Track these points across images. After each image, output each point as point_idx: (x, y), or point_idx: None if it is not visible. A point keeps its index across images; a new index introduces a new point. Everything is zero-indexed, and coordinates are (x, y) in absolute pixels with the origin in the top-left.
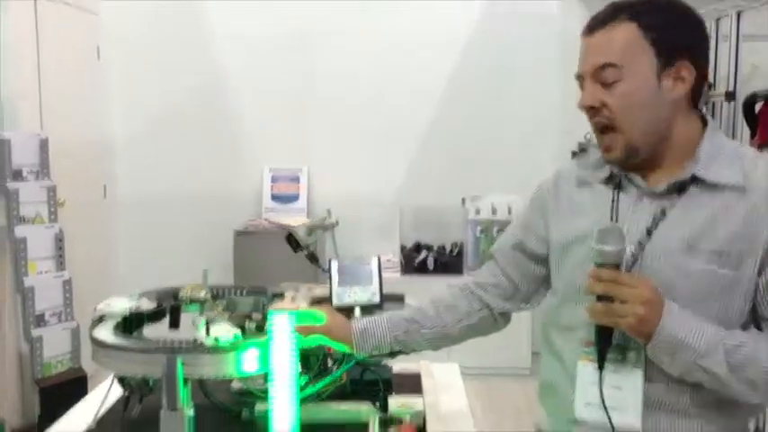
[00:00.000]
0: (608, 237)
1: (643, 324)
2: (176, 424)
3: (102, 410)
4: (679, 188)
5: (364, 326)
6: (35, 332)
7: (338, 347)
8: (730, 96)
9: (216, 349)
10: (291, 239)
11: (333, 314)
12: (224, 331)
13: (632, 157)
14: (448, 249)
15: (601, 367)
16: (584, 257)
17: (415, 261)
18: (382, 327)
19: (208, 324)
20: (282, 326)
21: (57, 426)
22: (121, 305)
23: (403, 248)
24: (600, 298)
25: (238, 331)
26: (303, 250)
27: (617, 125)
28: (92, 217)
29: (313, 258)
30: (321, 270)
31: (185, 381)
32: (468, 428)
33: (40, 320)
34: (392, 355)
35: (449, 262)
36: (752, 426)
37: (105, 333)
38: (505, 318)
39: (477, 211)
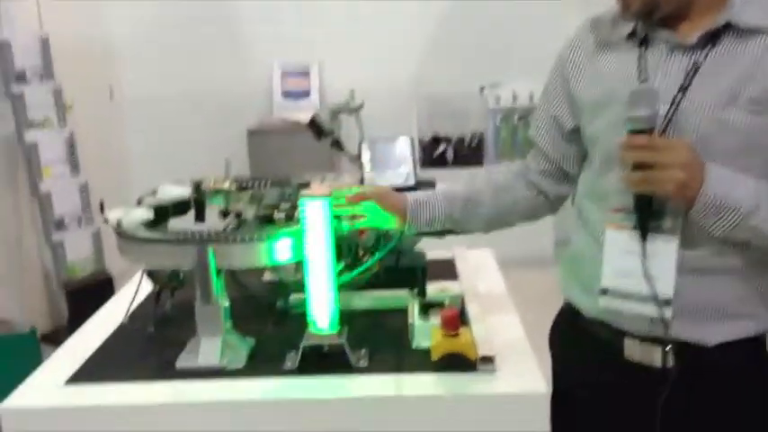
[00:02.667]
0: (641, 100)
1: (684, 189)
2: (211, 315)
3: (134, 306)
4: (712, 38)
5: (420, 198)
6: (56, 237)
7: (386, 224)
8: None
9: (248, 239)
10: (314, 126)
11: (381, 187)
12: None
13: (654, 12)
14: (467, 141)
15: (644, 237)
16: (614, 123)
17: (433, 154)
18: (438, 202)
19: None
20: (316, 212)
21: (88, 324)
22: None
23: (420, 141)
24: (636, 166)
25: None
26: (327, 137)
27: None
28: (101, 120)
29: (338, 145)
30: (348, 158)
31: (218, 272)
32: (508, 309)
33: (60, 225)
34: (441, 234)
35: (468, 154)
36: None
37: (133, 227)
38: (562, 200)
39: (497, 100)
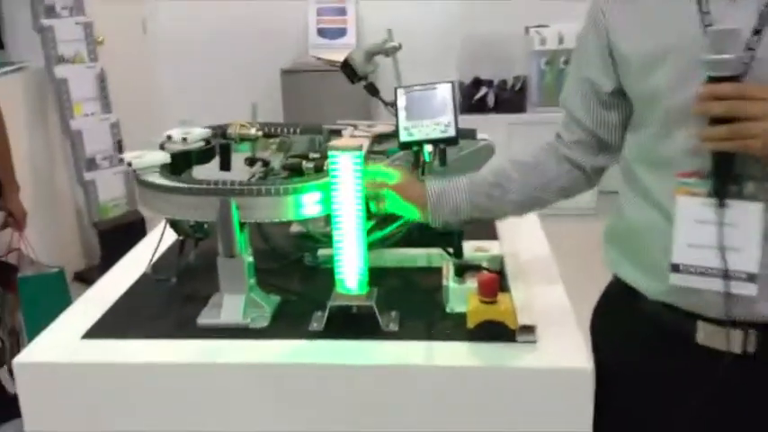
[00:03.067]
0: (724, 42)
1: None
2: (234, 271)
3: (157, 255)
4: None
5: (442, 187)
6: (87, 176)
7: (407, 213)
8: None
9: (273, 191)
10: (348, 68)
11: (405, 174)
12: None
13: None
14: (509, 84)
15: (722, 204)
16: (677, 76)
17: (472, 99)
18: (462, 189)
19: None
20: (346, 165)
21: (111, 272)
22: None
23: (461, 85)
24: (716, 121)
25: None
26: (361, 80)
27: None
28: (133, 55)
29: (373, 89)
30: (383, 104)
31: (242, 225)
32: (551, 274)
33: (92, 164)
34: (468, 223)
35: (510, 99)
36: None
37: (153, 174)
38: (601, 172)
39: (542, 41)
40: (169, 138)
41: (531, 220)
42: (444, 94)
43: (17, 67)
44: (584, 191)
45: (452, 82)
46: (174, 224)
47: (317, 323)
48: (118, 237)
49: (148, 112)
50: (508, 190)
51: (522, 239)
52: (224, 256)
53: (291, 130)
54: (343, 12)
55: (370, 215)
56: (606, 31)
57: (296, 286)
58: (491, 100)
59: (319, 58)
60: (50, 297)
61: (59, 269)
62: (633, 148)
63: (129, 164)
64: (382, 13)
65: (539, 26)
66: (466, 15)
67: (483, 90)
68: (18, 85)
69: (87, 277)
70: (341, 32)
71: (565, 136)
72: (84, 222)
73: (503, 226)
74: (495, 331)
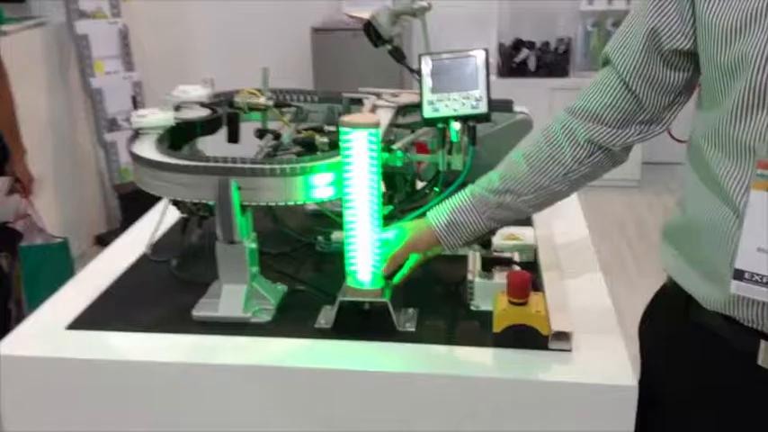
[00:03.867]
0: None
1: None
2: (235, 259)
3: (159, 234)
4: None
5: (448, 220)
6: (108, 137)
7: (433, 252)
8: None
9: (279, 171)
10: (371, 30)
11: (412, 224)
12: None
13: None
14: (553, 47)
15: None
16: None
17: (512, 62)
18: (470, 212)
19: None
20: (361, 144)
21: (109, 250)
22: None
23: (500, 46)
24: None
25: None
26: (386, 44)
27: None
28: (158, 13)
29: (398, 54)
30: (409, 71)
31: (243, 208)
32: (591, 267)
33: (113, 125)
34: (492, 233)
35: (553, 62)
36: None
37: (147, 147)
38: (628, 150)
39: (590, 1)
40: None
41: (571, 200)
42: (477, 62)
43: (37, 23)
44: (609, 171)
45: (486, 49)
46: (176, 201)
47: (324, 320)
48: (139, 201)
49: (174, 71)
50: (520, 192)
51: (559, 223)
52: (223, 242)
53: (308, 97)
54: None
55: (394, 191)
56: None
57: (306, 274)
58: (532, 63)
59: (352, 17)
60: (52, 268)
61: (63, 240)
62: (702, 128)
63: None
64: None
65: None
66: None
67: (524, 52)
68: (37, 40)
69: (108, 241)
70: None
71: (590, 102)
72: (105, 185)
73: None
74: (525, 337)
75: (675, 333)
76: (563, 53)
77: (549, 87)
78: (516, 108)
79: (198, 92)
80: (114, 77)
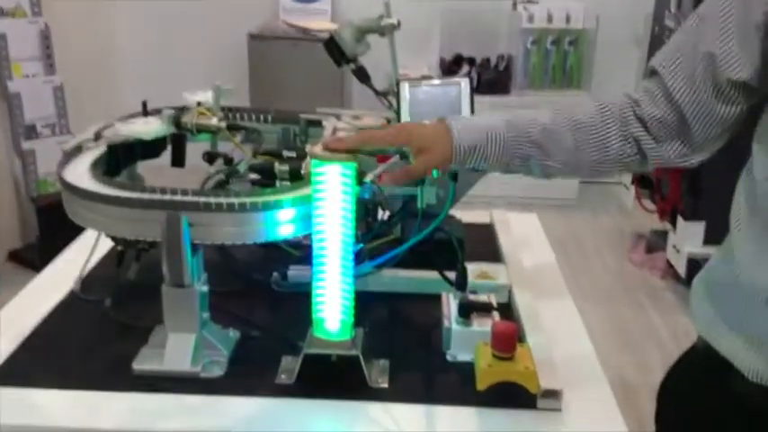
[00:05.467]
0: None
1: None
2: (183, 304)
3: (89, 267)
4: None
5: (473, 141)
6: (26, 145)
7: (432, 161)
8: None
9: (237, 207)
10: (333, 47)
11: (431, 133)
12: None
13: None
14: (493, 63)
15: None
16: None
17: (454, 76)
18: (497, 145)
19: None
20: (335, 180)
21: (31, 286)
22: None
23: (441, 61)
24: None
25: None
26: (350, 63)
27: None
28: (84, 12)
29: (362, 74)
30: (374, 93)
31: (195, 247)
32: (567, 306)
33: (31, 132)
34: (481, 170)
35: (493, 79)
36: None
37: (80, 173)
38: (656, 164)
39: (530, 18)
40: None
41: (535, 229)
42: (460, 91)
43: None
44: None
45: (470, 78)
46: None
47: (285, 375)
48: (58, 214)
49: (100, 75)
50: (552, 154)
51: (527, 256)
52: (170, 285)
53: (261, 117)
54: None
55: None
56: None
57: (260, 316)
58: (473, 79)
59: (291, 25)
60: None
61: None
62: (762, 168)
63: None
64: None
65: (527, 1)
66: None
67: (465, 68)
68: None
69: (23, 257)
70: None
71: (645, 105)
72: (21, 196)
73: (505, 240)
74: (511, 394)
75: (705, 402)
76: (504, 70)
77: (489, 104)
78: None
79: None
80: (34, 81)
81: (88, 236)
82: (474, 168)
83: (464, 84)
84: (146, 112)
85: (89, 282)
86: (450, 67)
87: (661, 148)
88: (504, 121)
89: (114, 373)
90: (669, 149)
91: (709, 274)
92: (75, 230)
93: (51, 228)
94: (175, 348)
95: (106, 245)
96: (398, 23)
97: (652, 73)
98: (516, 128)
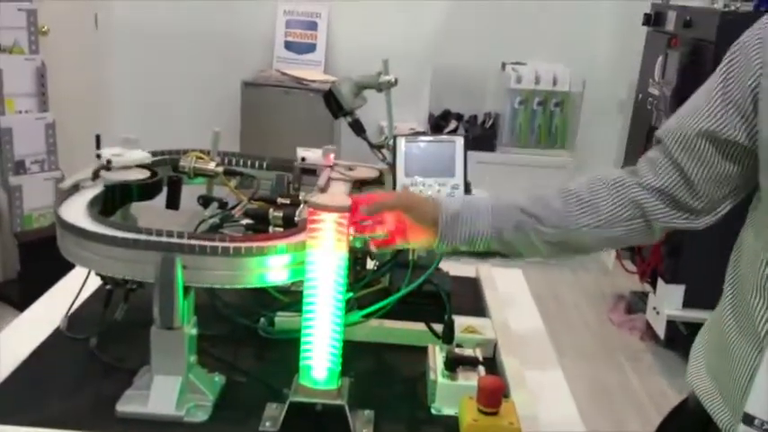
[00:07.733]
0: None
1: None
2: (171, 347)
3: (76, 306)
4: None
5: (458, 208)
6: (14, 180)
7: (413, 240)
8: None
9: (232, 251)
10: (332, 99)
11: (409, 192)
12: None
13: None
14: (480, 120)
15: None
16: None
17: (442, 131)
18: (484, 212)
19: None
20: (329, 229)
21: (17, 323)
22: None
23: (429, 116)
24: None
25: None
26: (347, 116)
27: None
28: (81, 50)
29: (358, 127)
30: (369, 146)
31: (186, 289)
32: (550, 362)
33: (20, 168)
34: (483, 255)
35: (480, 135)
36: None
37: (77, 211)
38: (669, 231)
39: (519, 79)
40: (108, 163)
41: (520, 287)
42: (456, 148)
43: None
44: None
45: (467, 136)
46: None
47: (270, 422)
48: (40, 251)
49: (92, 115)
50: (542, 221)
51: (512, 312)
52: (160, 327)
53: (256, 163)
54: (313, 26)
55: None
56: (761, 65)
57: (246, 361)
58: (468, 137)
59: (284, 74)
60: None
61: None
62: (753, 235)
63: (109, 162)
64: (353, 33)
65: (516, 63)
66: (442, 44)
67: (452, 123)
68: None
69: (2, 293)
70: (309, 48)
71: (648, 176)
72: (4, 231)
73: (490, 296)
74: None
75: None
76: (490, 127)
77: (476, 161)
78: (474, 191)
79: (135, 156)
80: (26, 117)
81: (74, 275)
82: (473, 250)
83: (459, 142)
84: (98, 146)
85: (75, 320)
86: (437, 122)
87: (672, 213)
88: (489, 198)
89: (97, 414)
90: (678, 217)
91: (709, 332)
92: (57, 267)
93: (32, 264)
94: (160, 391)
95: (94, 284)
96: (395, 81)
97: (657, 142)
98: (502, 198)
